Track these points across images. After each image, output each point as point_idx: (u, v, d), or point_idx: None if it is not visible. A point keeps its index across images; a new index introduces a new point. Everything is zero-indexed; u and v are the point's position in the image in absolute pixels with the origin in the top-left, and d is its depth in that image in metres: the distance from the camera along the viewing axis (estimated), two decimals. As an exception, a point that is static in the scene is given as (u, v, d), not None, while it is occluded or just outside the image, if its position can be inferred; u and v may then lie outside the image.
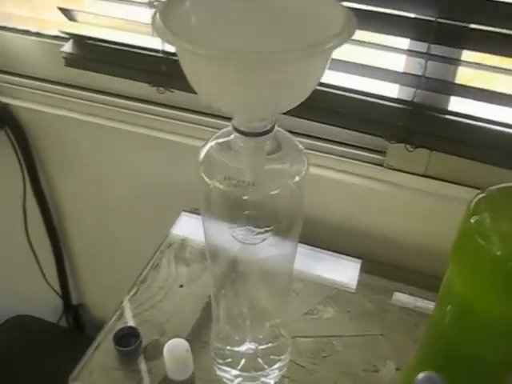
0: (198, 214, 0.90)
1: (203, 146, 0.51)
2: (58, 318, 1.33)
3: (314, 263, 0.87)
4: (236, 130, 0.47)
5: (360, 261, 0.87)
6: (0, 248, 1.32)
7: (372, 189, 0.85)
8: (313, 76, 0.42)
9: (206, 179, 0.49)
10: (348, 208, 0.89)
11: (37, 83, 1.01)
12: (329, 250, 0.88)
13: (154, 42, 0.83)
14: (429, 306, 0.80)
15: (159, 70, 0.84)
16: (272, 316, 0.69)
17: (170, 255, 0.85)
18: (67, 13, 0.86)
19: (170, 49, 0.83)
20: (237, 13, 0.46)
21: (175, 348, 0.64)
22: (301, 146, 0.50)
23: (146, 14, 0.81)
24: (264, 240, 0.51)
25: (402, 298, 0.82)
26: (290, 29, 0.45)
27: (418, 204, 0.84)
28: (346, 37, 0.39)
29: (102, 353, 0.73)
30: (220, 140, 0.50)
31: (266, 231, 0.50)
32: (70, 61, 0.89)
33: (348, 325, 0.78)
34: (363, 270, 0.86)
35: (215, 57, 0.36)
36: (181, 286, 0.81)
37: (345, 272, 0.87)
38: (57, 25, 0.95)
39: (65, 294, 1.28)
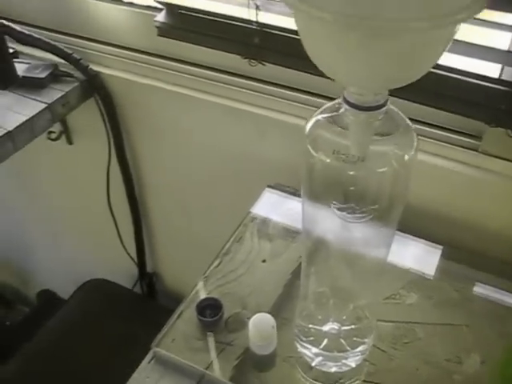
0: (282, 190, 0.91)
1: (309, 119, 0.50)
2: (133, 285, 1.37)
3: (395, 247, 0.85)
4: (347, 102, 0.45)
5: (441, 247, 0.85)
6: (83, 213, 1.37)
7: (463, 174, 0.82)
8: (436, 50, 0.40)
9: (313, 152, 0.48)
10: (436, 192, 0.86)
11: (127, 52, 1.02)
12: (410, 233, 0.86)
13: (248, 13, 0.82)
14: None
15: (252, 42, 0.83)
16: (357, 297, 0.68)
17: (254, 229, 0.85)
18: (163, -18, 0.87)
19: (264, 20, 0.82)
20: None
21: (261, 323, 0.63)
22: (411, 125, 0.48)
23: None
24: (365, 219, 0.50)
25: (487, 288, 0.79)
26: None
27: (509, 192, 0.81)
28: (477, 9, 0.37)
29: (184, 321, 0.74)
30: (326, 114, 0.49)
31: (369, 210, 0.49)
32: (163, 30, 0.89)
33: (431, 312, 0.76)
34: (445, 256, 0.83)
35: (342, 23, 0.35)
36: (263, 261, 0.81)
37: (427, 257, 0.84)
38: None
39: (140, 261, 1.31)
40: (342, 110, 0.47)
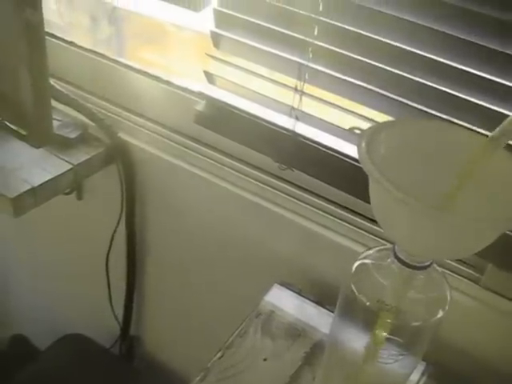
0: (289, 288, 0.94)
1: (358, 259, 0.54)
2: (112, 344, 1.36)
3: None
4: (396, 257, 0.49)
5: (424, 363, 0.87)
6: (76, 266, 1.37)
7: (462, 303, 0.86)
8: (492, 238, 0.44)
9: (355, 291, 0.52)
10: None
11: (158, 128, 1.06)
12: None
13: (287, 122, 0.87)
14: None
15: (285, 149, 0.87)
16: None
17: (258, 325, 0.87)
18: (210, 76, 0.91)
19: (301, 131, 0.87)
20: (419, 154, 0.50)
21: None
22: (448, 285, 0.53)
23: (287, 96, 0.85)
24: (394, 361, 0.53)
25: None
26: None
27: (505, 328, 0.85)
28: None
29: (183, 411, 0.75)
30: (373, 261, 0.53)
31: (401, 355, 0.52)
32: (201, 119, 0.94)
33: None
34: (429, 374, 0.86)
35: (425, 213, 0.39)
36: (264, 360, 0.83)
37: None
38: (188, 77, 1.01)
39: (125, 324, 1.31)
40: (388, 261, 0.51)
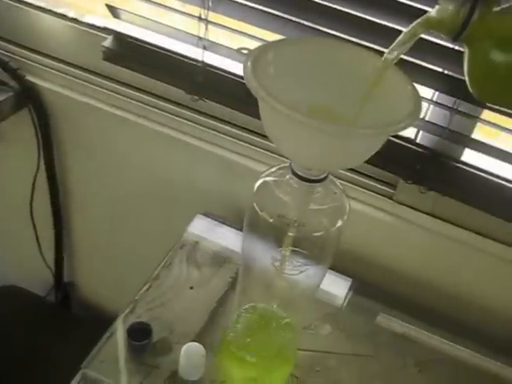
0: (212, 218, 0.96)
1: (259, 177, 0.56)
2: (47, 293, 1.36)
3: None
4: (294, 173, 0.51)
5: (350, 279, 0.92)
6: (1, 217, 1.34)
7: (378, 219, 0.90)
8: (377, 146, 0.47)
9: (258, 210, 0.54)
10: (350, 232, 0.94)
11: (68, 68, 1.03)
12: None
13: (195, 52, 0.87)
14: (416, 331, 0.86)
15: (196, 80, 0.87)
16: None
17: (183, 256, 0.89)
18: (114, 10, 0.89)
19: (209, 61, 0.87)
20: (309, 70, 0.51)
21: (192, 353, 0.68)
22: (345, 195, 0.55)
23: (192, 25, 0.84)
24: (300, 272, 0.56)
25: (393, 321, 0.88)
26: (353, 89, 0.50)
27: (418, 239, 0.90)
28: (415, 118, 0.44)
29: (113, 343, 0.77)
30: (273, 178, 0.55)
31: (306, 265, 0.55)
32: (109, 56, 0.92)
33: (342, 343, 0.83)
34: (355, 289, 0.91)
35: (310, 125, 0.41)
36: (191, 288, 0.85)
37: (338, 289, 0.91)
38: (95, 14, 0.98)
39: (58, 270, 1.31)
40: (287, 177, 0.53)
